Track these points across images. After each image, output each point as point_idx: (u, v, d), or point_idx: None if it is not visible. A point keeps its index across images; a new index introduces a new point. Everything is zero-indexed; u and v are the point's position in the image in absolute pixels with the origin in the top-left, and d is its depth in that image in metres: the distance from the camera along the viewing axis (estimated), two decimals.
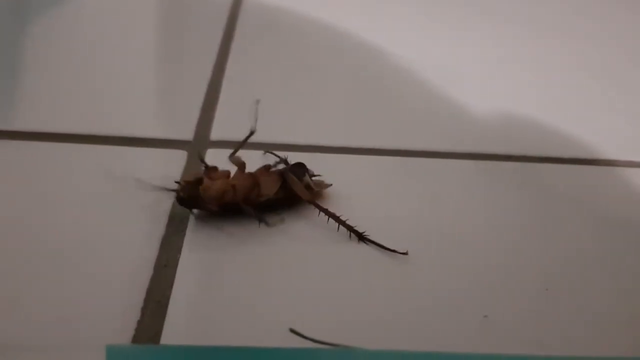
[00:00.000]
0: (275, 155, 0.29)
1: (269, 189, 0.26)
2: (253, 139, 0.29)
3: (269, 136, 0.31)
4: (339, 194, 0.28)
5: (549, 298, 0.24)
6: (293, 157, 0.29)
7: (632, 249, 0.27)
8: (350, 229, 0.25)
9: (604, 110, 0.36)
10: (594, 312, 0.24)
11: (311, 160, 0.29)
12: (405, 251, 0.25)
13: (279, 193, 0.26)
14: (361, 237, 0.25)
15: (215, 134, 0.31)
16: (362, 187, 0.29)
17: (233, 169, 0.27)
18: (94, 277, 0.23)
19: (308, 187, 0.26)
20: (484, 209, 0.28)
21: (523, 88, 0.37)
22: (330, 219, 0.25)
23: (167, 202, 0.27)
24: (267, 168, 0.27)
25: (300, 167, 0.27)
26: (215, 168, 0.26)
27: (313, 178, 0.27)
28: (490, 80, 0.38)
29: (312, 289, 0.24)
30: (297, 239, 0.25)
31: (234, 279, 0.24)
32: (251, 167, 0.27)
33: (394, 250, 0.25)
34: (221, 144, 0.30)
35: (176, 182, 0.26)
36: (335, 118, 0.34)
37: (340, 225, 0.25)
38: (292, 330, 0.21)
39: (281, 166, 0.28)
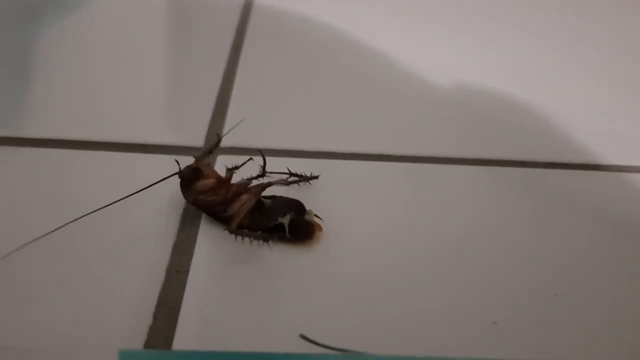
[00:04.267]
0: (299, 175, 0.29)
1: (236, 209, 0.26)
2: (260, 144, 0.29)
3: (277, 142, 0.32)
4: (345, 200, 0.28)
5: (558, 303, 0.24)
6: (299, 163, 0.29)
7: None
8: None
9: (611, 115, 0.36)
10: (603, 317, 0.24)
11: (317, 166, 0.29)
12: (316, 175, 0.28)
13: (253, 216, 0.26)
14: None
15: (226, 141, 0.31)
16: (368, 193, 0.29)
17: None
18: (106, 283, 0.24)
19: (309, 224, 0.26)
20: (492, 215, 0.28)
21: (529, 94, 0.37)
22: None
23: (179, 208, 0.27)
24: (261, 188, 0.26)
25: (292, 205, 0.26)
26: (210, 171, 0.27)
27: (314, 218, 0.26)
28: (496, 86, 0.38)
29: (323, 295, 0.24)
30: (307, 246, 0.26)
31: (245, 284, 0.24)
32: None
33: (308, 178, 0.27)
34: (231, 151, 0.31)
35: (176, 160, 0.27)
36: (342, 124, 0.34)
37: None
38: (302, 336, 0.21)
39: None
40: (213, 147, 0.28)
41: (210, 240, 0.26)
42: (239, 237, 0.25)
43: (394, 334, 0.23)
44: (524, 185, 0.30)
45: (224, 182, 0.26)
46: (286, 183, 0.28)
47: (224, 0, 0.46)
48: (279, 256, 0.25)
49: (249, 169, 0.28)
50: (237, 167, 0.27)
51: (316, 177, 0.29)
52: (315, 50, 0.41)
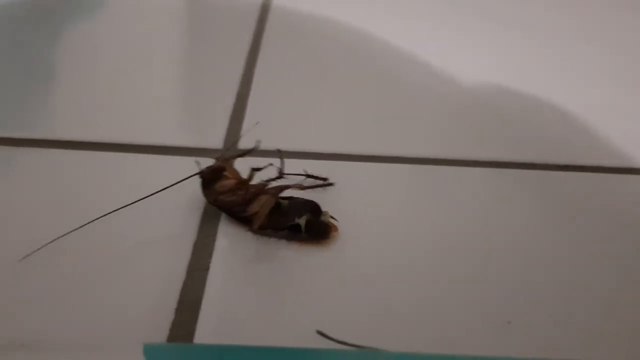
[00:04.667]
0: (315, 177, 0.29)
1: (254, 209, 0.26)
2: (277, 146, 0.30)
3: (294, 144, 0.32)
4: (361, 201, 0.29)
5: (572, 305, 0.24)
6: (316, 165, 0.30)
7: None
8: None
9: (626, 116, 0.36)
10: (618, 318, 0.24)
11: (333, 168, 0.30)
12: (331, 182, 0.29)
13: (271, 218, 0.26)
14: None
15: (244, 142, 0.32)
16: (384, 195, 0.29)
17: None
18: (131, 280, 0.24)
19: (325, 225, 0.27)
20: (508, 216, 0.28)
21: (544, 95, 0.37)
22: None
23: (199, 208, 0.28)
24: (279, 189, 0.27)
25: (308, 206, 0.27)
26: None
27: (330, 219, 0.27)
28: (510, 87, 0.38)
29: (339, 293, 0.24)
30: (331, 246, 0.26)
31: (263, 281, 0.25)
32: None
33: (322, 179, 0.29)
34: (249, 152, 0.31)
35: (196, 161, 0.28)
36: (358, 126, 0.34)
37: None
38: (319, 332, 0.22)
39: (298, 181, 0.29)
40: (247, 150, 0.29)
41: (229, 239, 0.27)
42: (261, 237, 0.26)
43: (408, 331, 0.23)
44: (539, 188, 0.30)
45: (244, 182, 0.27)
46: (301, 188, 0.28)
47: (241, 2, 0.47)
48: (296, 255, 0.26)
49: (266, 170, 0.28)
50: (259, 169, 0.28)
51: (331, 184, 0.29)
52: (332, 52, 0.42)
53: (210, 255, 0.26)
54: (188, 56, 0.42)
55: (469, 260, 0.26)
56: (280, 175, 0.28)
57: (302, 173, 0.29)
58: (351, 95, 0.37)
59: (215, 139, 0.33)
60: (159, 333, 0.22)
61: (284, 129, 0.34)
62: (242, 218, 0.27)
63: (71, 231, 0.25)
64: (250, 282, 0.25)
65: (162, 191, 0.27)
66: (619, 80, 0.39)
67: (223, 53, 0.41)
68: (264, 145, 0.30)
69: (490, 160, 0.32)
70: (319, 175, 0.29)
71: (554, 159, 0.32)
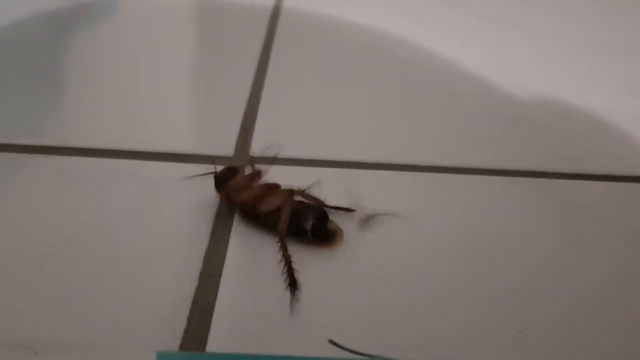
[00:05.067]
0: (339, 208, 0.28)
1: (267, 206, 0.27)
2: (288, 154, 0.30)
3: (306, 152, 0.32)
4: (373, 209, 0.29)
5: (583, 313, 0.24)
6: (327, 173, 0.30)
7: None
8: (290, 276, 0.25)
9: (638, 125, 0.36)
10: (629, 327, 0.24)
11: (345, 176, 0.30)
12: (353, 208, 0.28)
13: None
14: (293, 288, 0.25)
15: (255, 150, 0.32)
16: (393, 202, 0.29)
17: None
18: (143, 287, 0.25)
19: (332, 231, 0.27)
20: (518, 225, 0.28)
21: (557, 104, 0.37)
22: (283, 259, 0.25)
23: (211, 215, 0.28)
24: (291, 192, 0.27)
25: (315, 211, 0.27)
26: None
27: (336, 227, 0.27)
28: (523, 94, 0.38)
29: (352, 302, 0.24)
30: (336, 251, 0.26)
31: (276, 289, 0.25)
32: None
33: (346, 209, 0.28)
34: (260, 160, 0.31)
35: (212, 160, 0.28)
36: (370, 134, 0.34)
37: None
38: (331, 341, 0.22)
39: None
40: (261, 170, 0.29)
41: (241, 246, 0.27)
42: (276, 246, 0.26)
43: (419, 340, 0.23)
44: (550, 196, 0.30)
45: (255, 175, 0.28)
46: (323, 205, 0.28)
47: (252, 8, 0.47)
48: (308, 262, 0.26)
49: (286, 179, 0.28)
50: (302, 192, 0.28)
51: (353, 211, 0.28)
52: (345, 56, 0.42)
53: (222, 262, 0.26)
54: (199, 63, 0.42)
55: (480, 269, 0.26)
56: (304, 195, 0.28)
57: (326, 204, 0.28)
58: (365, 100, 0.37)
59: (227, 147, 0.33)
60: (172, 340, 0.22)
61: (295, 135, 0.34)
62: (254, 215, 0.27)
63: (79, 235, 0.26)
64: (262, 289, 0.25)
65: (173, 197, 0.27)
66: (627, 88, 0.39)
67: (234, 58, 0.41)
68: (274, 153, 0.30)
69: (504, 169, 0.32)
70: (343, 206, 0.28)
71: (566, 167, 0.32)
